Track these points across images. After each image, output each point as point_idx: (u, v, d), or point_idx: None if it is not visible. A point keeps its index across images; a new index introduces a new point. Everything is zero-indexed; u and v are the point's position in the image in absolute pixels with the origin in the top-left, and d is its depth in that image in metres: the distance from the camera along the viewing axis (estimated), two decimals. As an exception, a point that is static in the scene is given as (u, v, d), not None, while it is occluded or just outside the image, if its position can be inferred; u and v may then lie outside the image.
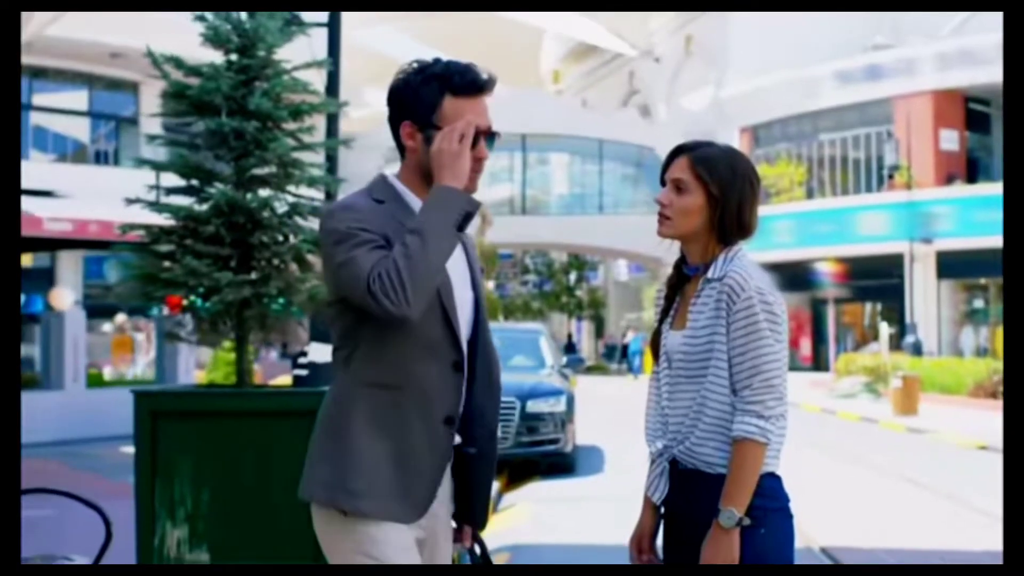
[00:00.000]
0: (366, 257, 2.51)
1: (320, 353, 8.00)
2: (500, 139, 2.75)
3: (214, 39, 5.69)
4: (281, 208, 5.65)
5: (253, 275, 5.56)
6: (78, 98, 27.71)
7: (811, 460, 12.79)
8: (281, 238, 5.66)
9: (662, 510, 2.87)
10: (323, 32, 9.19)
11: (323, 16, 9.40)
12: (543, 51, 52.77)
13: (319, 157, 6.66)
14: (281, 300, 5.56)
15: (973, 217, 28.40)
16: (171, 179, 5.80)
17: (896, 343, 27.67)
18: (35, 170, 20.44)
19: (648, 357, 3.22)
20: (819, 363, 34.05)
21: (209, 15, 5.70)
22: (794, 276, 30.06)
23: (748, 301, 2.66)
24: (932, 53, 31.59)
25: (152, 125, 19.51)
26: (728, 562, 2.63)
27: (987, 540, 7.81)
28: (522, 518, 9.35)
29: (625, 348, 40.30)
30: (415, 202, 2.67)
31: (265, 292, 5.53)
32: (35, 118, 26.92)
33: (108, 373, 19.19)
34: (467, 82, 2.65)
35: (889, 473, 12.22)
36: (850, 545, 7.89)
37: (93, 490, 4.10)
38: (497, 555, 5.28)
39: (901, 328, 29.82)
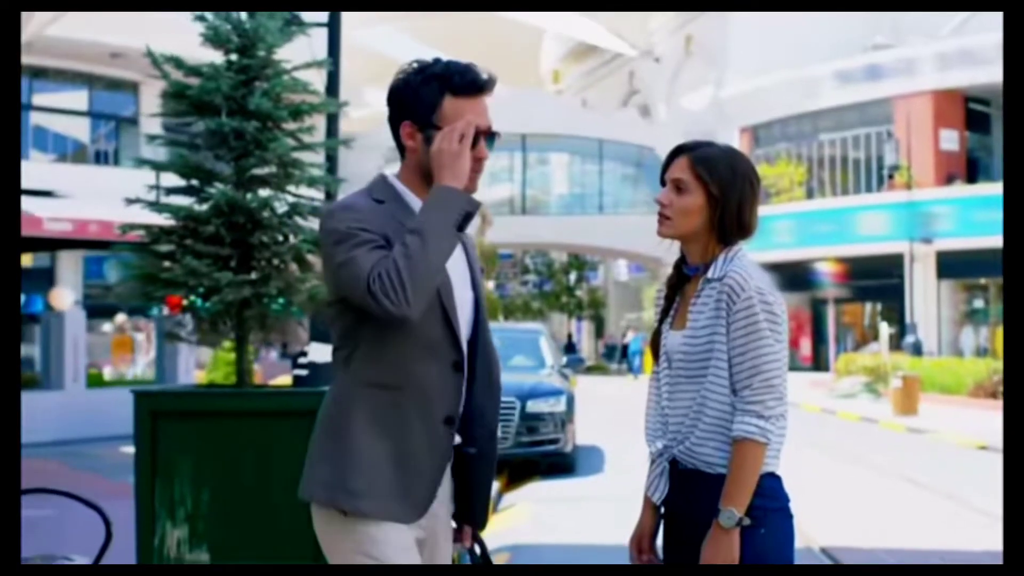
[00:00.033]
0: (366, 257, 2.51)
1: (320, 353, 8.00)
2: (500, 139, 2.75)
3: (214, 39, 5.69)
4: (281, 208, 5.66)
5: (253, 275, 5.57)
6: (78, 98, 27.72)
7: (811, 460, 12.79)
8: (281, 238, 5.66)
9: (662, 510, 2.87)
10: (323, 32, 9.19)
11: (323, 16, 9.40)
12: (543, 51, 52.77)
13: (319, 157, 6.66)
14: (281, 300, 5.56)
15: (973, 217, 28.40)
16: (171, 179, 5.81)
17: (896, 343, 27.68)
18: (35, 170, 20.44)
19: (648, 357, 3.22)
20: (819, 363, 34.05)
21: (209, 15, 5.70)
22: (794, 276, 30.06)
23: (748, 301, 2.66)
24: (932, 53, 31.59)
25: (152, 125, 19.51)
26: (728, 562, 2.63)
27: (987, 540, 7.81)
28: (522, 518, 9.35)
29: (625, 348, 40.30)
30: (415, 202, 2.67)
31: (265, 292, 5.53)
32: (35, 118, 26.92)
33: (108, 373, 19.19)
34: (467, 82, 2.65)
35: (889, 473, 12.22)
36: (850, 545, 7.90)
37: (93, 490, 4.10)
38: (497, 555, 5.29)
39: (901, 328, 29.82)
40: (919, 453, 14.48)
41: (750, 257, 2.78)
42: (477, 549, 2.82)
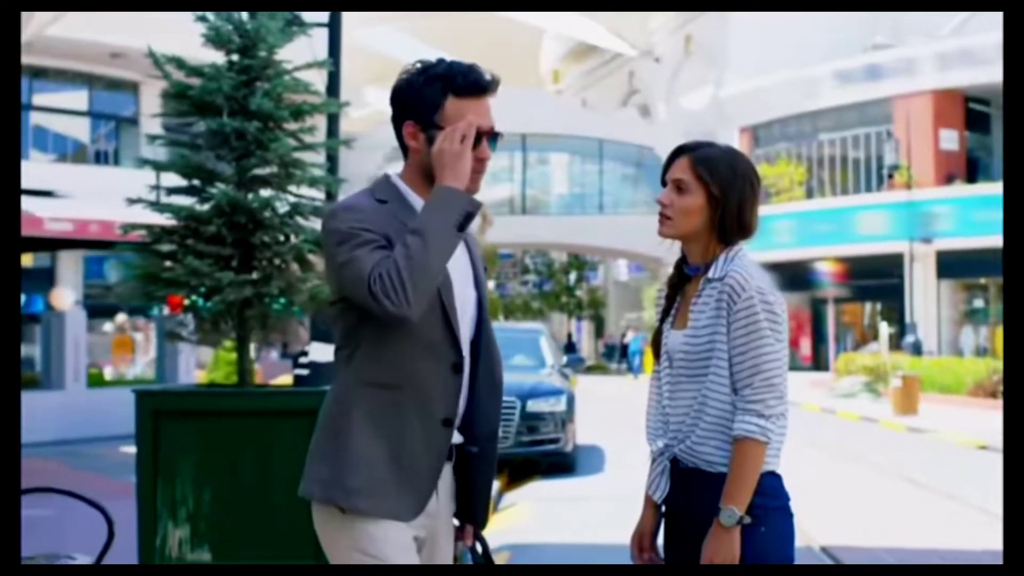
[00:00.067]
0: (368, 257, 2.52)
1: (321, 353, 8.00)
2: (503, 140, 2.75)
3: (215, 39, 5.70)
4: (282, 208, 5.67)
5: (254, 275, 5.58)
6: (78, 98, 27.71)
7: (811, 459, 12.79)
8: (282, 238, 5.68)
9: (663, 509, 2.88)
10: (324, 32, 9.19)
11: (324, 16, 9.40)
12: (543, 51, 52.76)
13: (320, 157, 6.68)
14: (282, 300, 5.57)
15: (973, 217, 28.41)
16: (172, 179, 5.82)
17: (896, 343, 27.68)
18: (35, 170, 20.43)
19: (649, 356, 3.23)
20: (819, 363, 34.06)
21: (210, 15, 5.72)
22: (794, 276, 30.06)
23: (749, 301, 2.67)
24: (932, 53, 31.59)
25: (152, 125, 19.51)
26: (729, 561, 2.64)
27: (987, 539, 7.81)
28: (523, 517, 9.36)
29: (625, 348, 40.30)
30: (417, 202, 2.67)
31: (266, 292, 5.54)
32: (35, 118, 26.91)
33: (109, 373, 19.18)
34: (470, 83, 2.66)
35: (889, 472, 12.23)
36: (850, 544, 7.90)
37: (94, 490, 4.10)
38: (498, 554, 5.30)
39: (901, 328, 29.83)
40: (919, 453, 14.49)
41: (751, 257, 2.79)
42: (478, 547, 2.83)
